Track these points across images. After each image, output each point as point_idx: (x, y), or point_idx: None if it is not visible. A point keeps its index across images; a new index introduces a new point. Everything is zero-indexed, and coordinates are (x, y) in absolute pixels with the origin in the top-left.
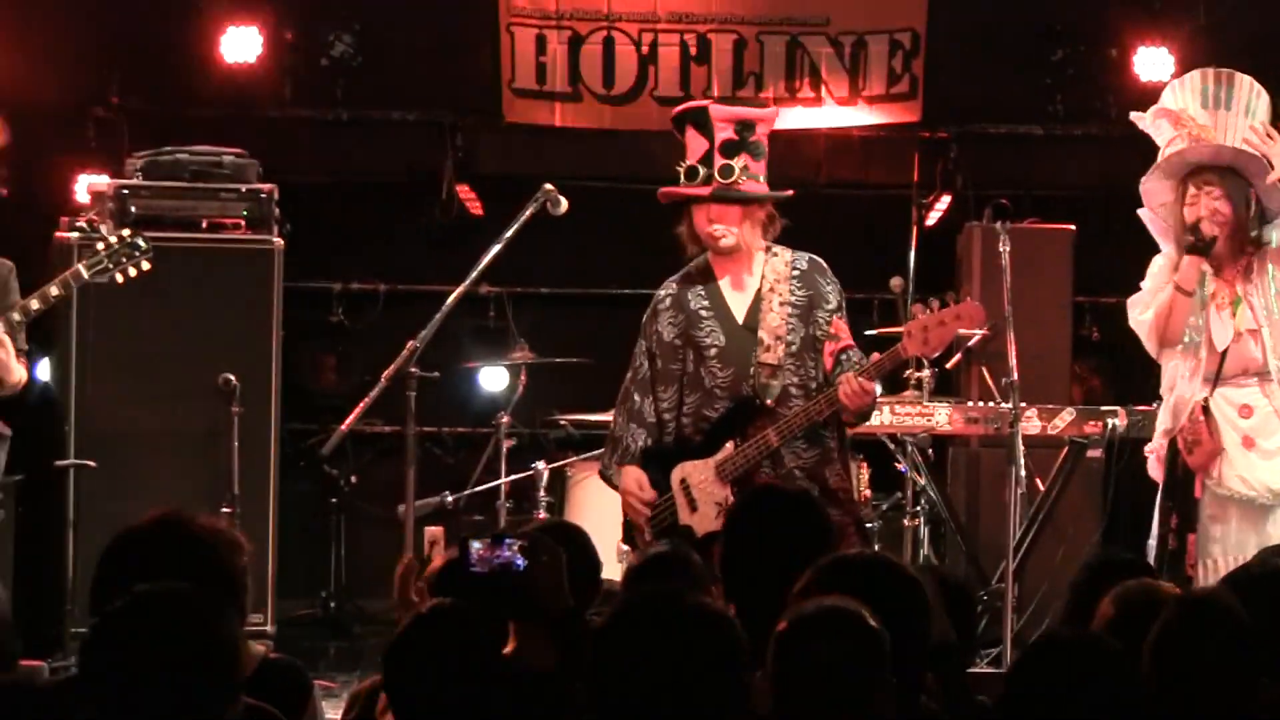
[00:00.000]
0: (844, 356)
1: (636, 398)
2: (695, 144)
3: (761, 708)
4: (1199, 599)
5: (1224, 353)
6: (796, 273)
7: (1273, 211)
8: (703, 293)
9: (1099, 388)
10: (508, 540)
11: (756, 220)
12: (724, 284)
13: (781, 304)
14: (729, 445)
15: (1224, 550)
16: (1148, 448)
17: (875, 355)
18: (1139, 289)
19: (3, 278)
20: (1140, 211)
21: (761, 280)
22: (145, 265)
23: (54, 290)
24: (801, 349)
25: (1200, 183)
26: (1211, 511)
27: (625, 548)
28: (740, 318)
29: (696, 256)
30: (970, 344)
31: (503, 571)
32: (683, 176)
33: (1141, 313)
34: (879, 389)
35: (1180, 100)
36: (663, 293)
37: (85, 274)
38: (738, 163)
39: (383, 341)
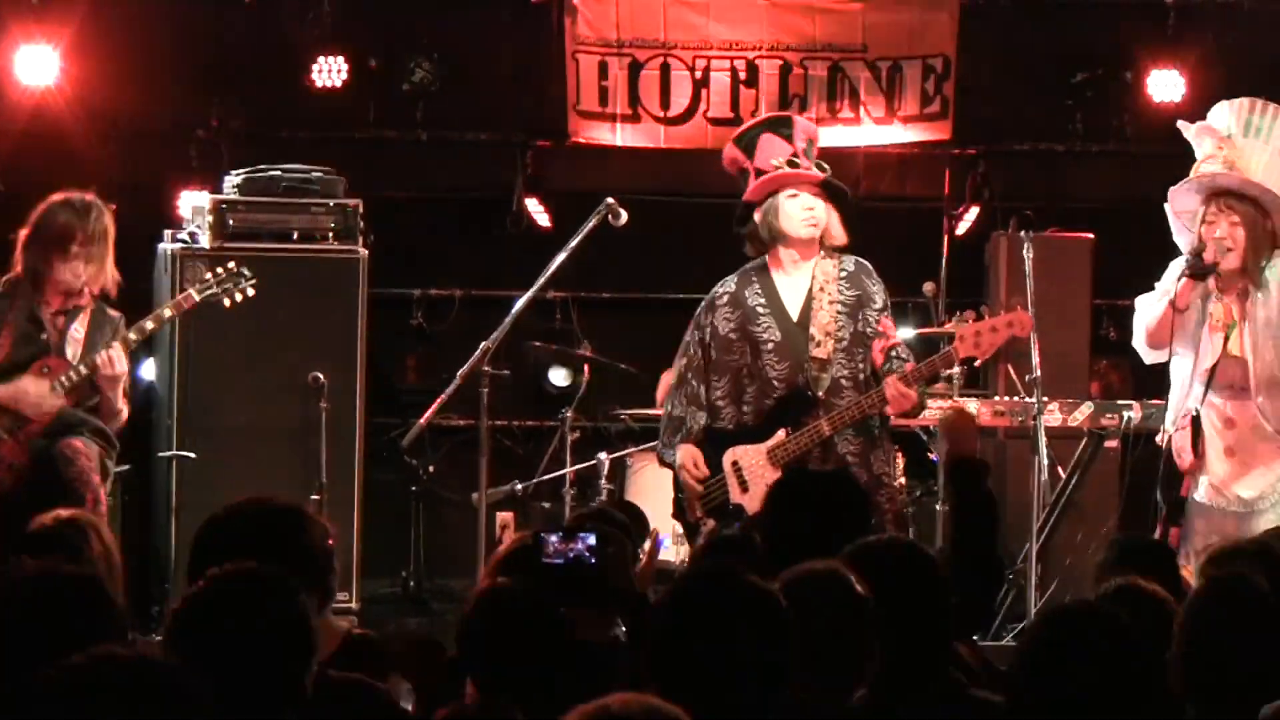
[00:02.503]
0: (893, 353)
1: (694, 383)
2: (775, 148)
3: None
4: (1228, 578)
5: (1213, 368)
6: (844, 274)
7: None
8: (759, 291)
9: (1116, 383)
10: (579, 534)
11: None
12: (779, 283)
13: (831, 302)
14: (781, 433)
15: (1197, 551)
16: (1158, 437)
17: (930, 359)
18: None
19: (116, 325)
20: (1168, 207)
21: (813, 281)
22: (250, 292)
23: (167, 312)
24: (851, 344)
25: (1223, 205)
26: (1192, 513)
27: (676, 524)
28: (794, 315)
29: (754, 259)
30: None
31: (575, 563)
32: (785, 166)
33: (1137, 318)
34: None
35: (1226, 123)
36: (720, 289)
37: (196, 298)
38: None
39: (459, 343)
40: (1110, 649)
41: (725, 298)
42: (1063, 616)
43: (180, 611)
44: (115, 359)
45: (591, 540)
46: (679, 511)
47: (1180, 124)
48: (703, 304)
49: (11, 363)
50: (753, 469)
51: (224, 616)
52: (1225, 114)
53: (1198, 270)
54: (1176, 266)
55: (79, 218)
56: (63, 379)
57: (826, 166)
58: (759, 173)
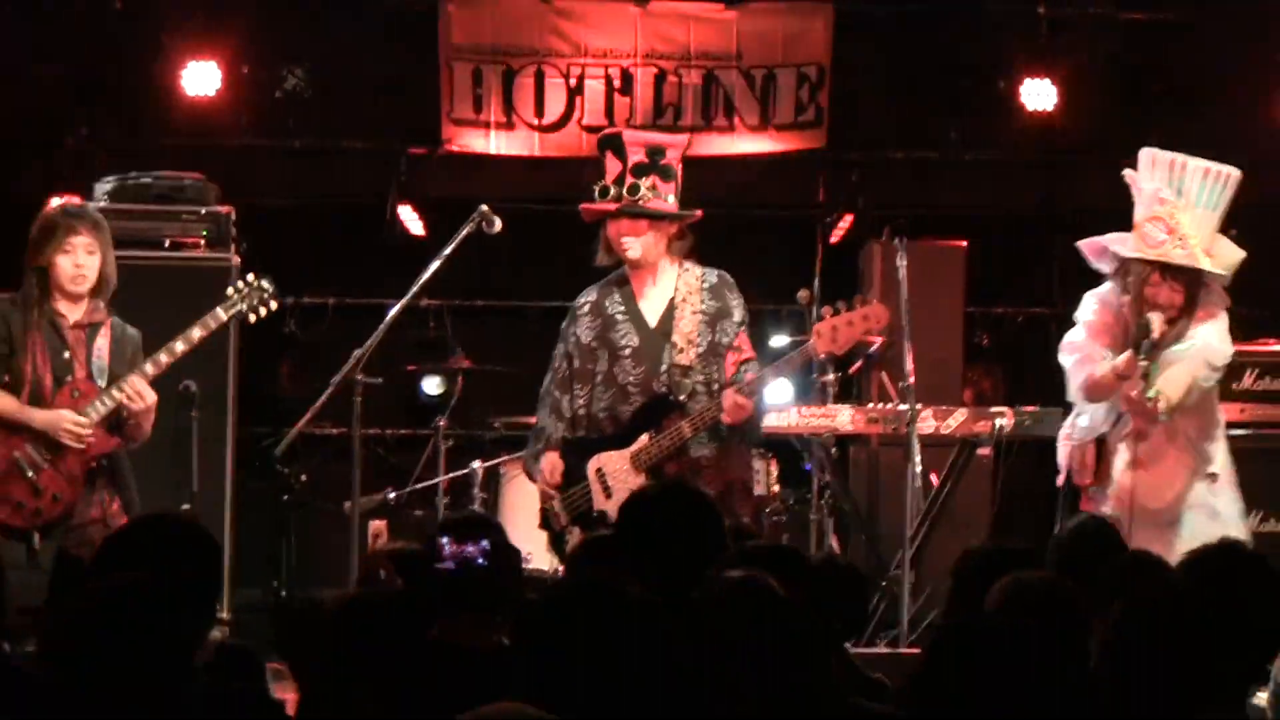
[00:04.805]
0: (743, 367)
1: (557, 394)
2: (612, 166)
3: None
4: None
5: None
6: (707, 286)
7: None
8: (619, 299)
9: (989, 390)
10: (473, 538)
11: (663, 235)
12: (638, 292)
13: (694, 313)
14: (644, 437)
15: None
16: (1060, 439)
17: (789, 355)
18: (1071, 323)
19: (137, 344)
20: (1084, 243)
21: (675, 291)
22: (273, 305)
23: (196, 333)
24: (708, 353)
25: (1169, 274)
26: None
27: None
28: (653, 323)
29: (613, 268)
30: (871, 351)
31: (466, 567)
32: (596, 195)
33: (1076, 365)
34: (784, 397)
35: (1158, 181)
36: (582, 299)
37: (224, 316)
38: (645, 183)
39: (332, 351)
40: (1016, 663)
41: (586, 306)
42: (967, 629)
43: (56, 624)
44: (143, 392)
45: (485, 544)
46: (544, 521)
47: (1125, 174)
48: (568, 316)
49: (44, 383)
50: (616, 474)
51: (99, 627)
52: (1152, 171)
53: (1147, 350)
54: (1090, 302)
55: (72, 214)
56: (97, 404)
57: (648, 187)
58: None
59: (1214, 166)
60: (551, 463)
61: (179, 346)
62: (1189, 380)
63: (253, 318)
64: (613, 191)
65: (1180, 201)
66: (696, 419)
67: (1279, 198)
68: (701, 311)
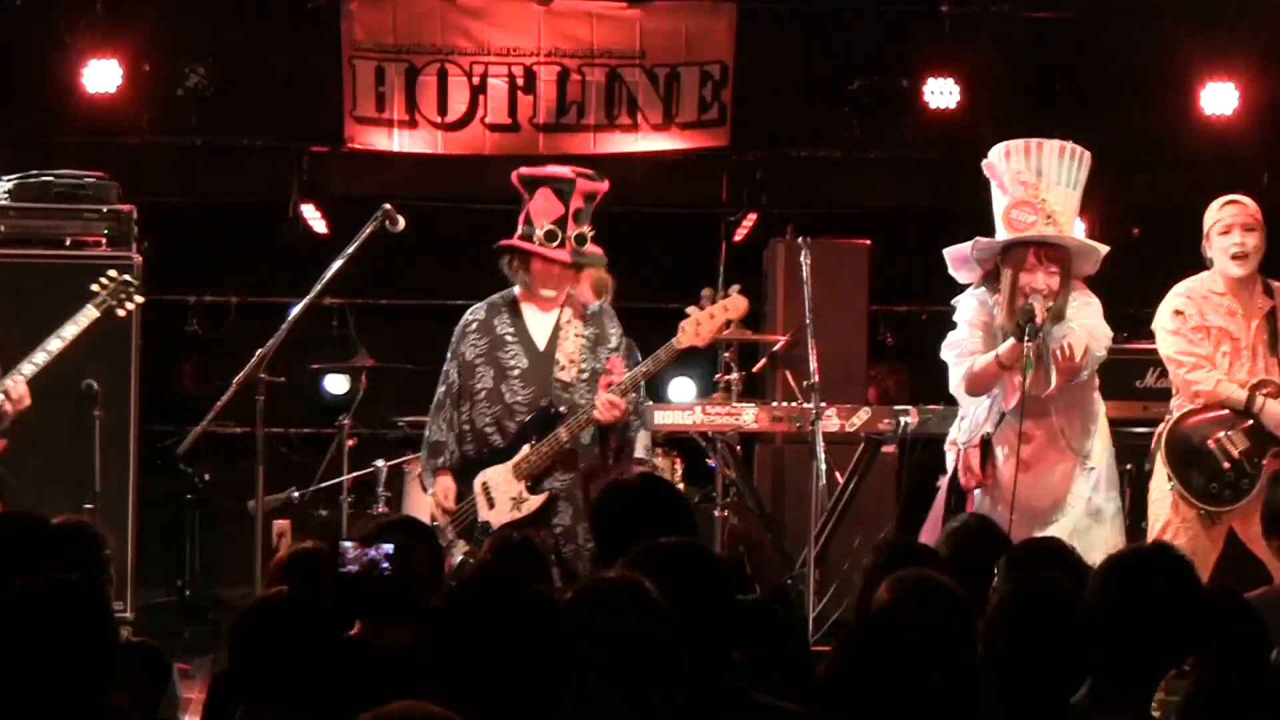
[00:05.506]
0: (613, 387)
1: (449, 408)
2: (548, 204)
3: None
4: (1037, 583)
5: (1021, 400)
6: (589, 313)
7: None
8: (508, 321)
9: (893, 388)
10: (377, 543)
11: (585, 275)
12: (527, 315)
13: (576, 335)
14: (526, 447)
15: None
16: (946, 445)
17: (654, 354)
18: (953, 324)
19: None
20: (950, 251)
21: (560, 314)
22: (139, 299)
23: (69, 331)
24: (591, 377)
25: (1043, 256)
26: None
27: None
28: (541, 345)
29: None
30: (775, 349)
31: (370, 573)
32: (541, 237)
33: (957, 358)
34: (637, 398)
35: (1020, 166)
36: (470, 317)
37: (96, 313)
38: (588, 232)
39: (235, 349)
40: (930, 656)
41: (475, 325)
42: (884, 624)
43: None
44: (24, 397)
45: (388, 549)
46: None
47: (985, 166)
48: (456, 331)
49: None
50: (498, 486)
51: (34, 628)
52: (1008, 160)
53: (1030, 333)
54: (972, 303)
55: None
56: None
57: (590, 236)
58: (528, 218)
59: (1068, 145)
60: (444, 487)
61: (54, 345)
62: (1084, 344)
63: (121, 312)
64: (559, 236)
65: (1042, 182)
66: (572, 423)
67: (1184, 197)
68: (584, 336)
